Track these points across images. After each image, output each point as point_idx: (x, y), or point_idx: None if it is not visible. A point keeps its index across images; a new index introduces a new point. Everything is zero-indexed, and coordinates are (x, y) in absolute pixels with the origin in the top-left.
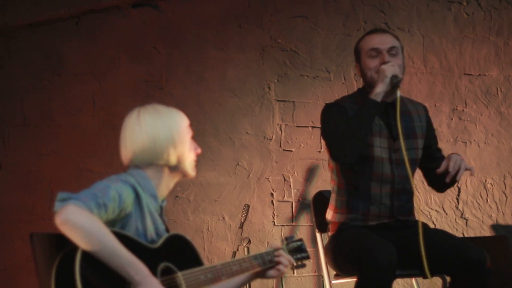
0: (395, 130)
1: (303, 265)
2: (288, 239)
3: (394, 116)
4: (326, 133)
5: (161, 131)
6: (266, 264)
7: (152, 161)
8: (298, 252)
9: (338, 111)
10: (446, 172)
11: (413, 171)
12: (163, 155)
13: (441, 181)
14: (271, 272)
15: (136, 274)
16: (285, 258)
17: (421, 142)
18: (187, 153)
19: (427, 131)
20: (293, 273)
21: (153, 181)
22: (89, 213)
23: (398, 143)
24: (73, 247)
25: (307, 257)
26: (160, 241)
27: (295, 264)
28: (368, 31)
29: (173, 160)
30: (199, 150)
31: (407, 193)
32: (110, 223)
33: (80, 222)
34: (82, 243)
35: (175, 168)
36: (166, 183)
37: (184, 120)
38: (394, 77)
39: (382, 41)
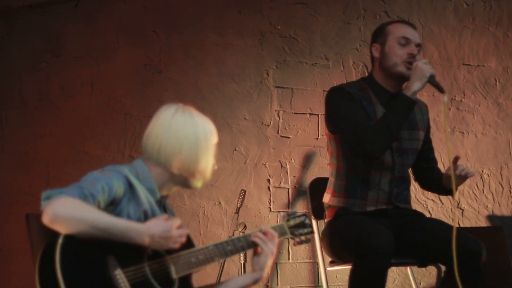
0: None
1: (308, 240)
2: (290, 215)
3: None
4: (345, 122)
5: (187, 140)
6: (245, 248)
7: (161, 163)
8: (301, 227)
9: (347, 97)
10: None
11: (413, 161)
12: (173, 163)
13: (429, 183)
14: (259, 259)
15: (137, 237)
16: (261, 238)
17: (422, 134)
18: (201, 171)
19: (428, 126)
20: (288, 248)
21: (155, 178)
22: (71, 199)
23: (401, 133)
24: (53, 240)
25: (311, 232)
26: None
27: (298, 239)
28: (399, 19)
29: (184, 172)
30: (215, 167)
31: (406, 182)
32: None
33: (66, 212)
34: (74, 230)
35: (182, 179)
36: (168, 186)
37: (212, 136)
38: (432, 77)
39: (414, 35)
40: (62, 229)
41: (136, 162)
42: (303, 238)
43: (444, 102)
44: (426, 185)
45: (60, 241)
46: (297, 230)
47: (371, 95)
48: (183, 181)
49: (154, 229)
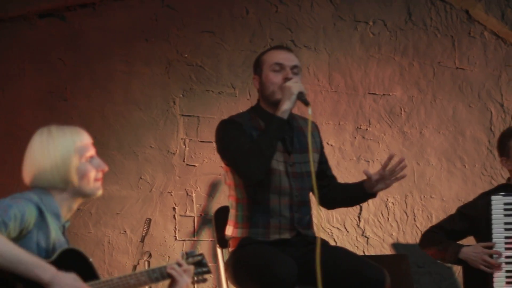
0: (289, 144)
1: (204, 280)
2: (188, 254)
3: (287, 131)
4: (229, 150)
5: (49, 157)
6: (158, 280)
7: (48, 185)
8: (199, 266)
9: (235, 128)
10: (341, 190)
11: (310, 184)
12: (56, 179)
13: (332, 198)
14: None
15: (44, 274)
16: (177, 271)
17: (316, 156)
18: (83, 174)
19: (321, 147)
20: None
21: (56, 201)
22: None
23: (293, 157)
24: None
25: (208, 272)
26: (55, 255)
27: (195, 278)
28: (273, 46)
29: (68, 183)
30: (104, 168)
31: (306, 206)
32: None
33: None
34: None
35: (76, 190)
36: (69, 205)
37: (77, 140)
38: (300, 94)
39: (287, 58)
40: None
41: (36, 189)
42: (200, 277)
43: (308, 114)
44: (331, 203)
45: None
46: (195, 269)
47: (261, 124)
48: (77, 191)
49: (63, 278)
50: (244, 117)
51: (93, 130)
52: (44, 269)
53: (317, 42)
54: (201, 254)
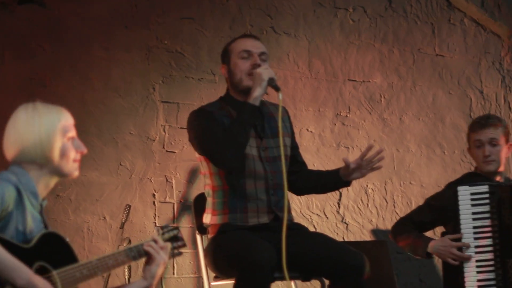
0: (260, 130)
1: (180, 253)
2: (164, 229)
3: (258, 117)
4: (202, 139)
5: (33, 132)
6: (136, 258)
7: (30, 159)
8: (174, 241)
9: (207, 117)
10: (317, 177)
11: (286, 167)
12: (38, 155)
13: (303, 184)
14: (151, 268)
15: (19, 278)
16: (154, 248)
17: (288, 140)
18: (64, 154)
19: (292, 132)
20: (173, 262)
21: (34, 179)
22: None
23: (265, 142)
24: None
25: (184, 245)
26: (34, 240)
27: (171, 251)
28: (240, 35)
29: (49, 160)
30: (84, 150)
31: (282, 189)
32: None
33: None
34: None
35: (54, 168)
36: (46, 183)
37: (62, 119)
38: (271, 80)
39: (255, 45)
40: None
41: (12, 168)
42: (176, 251)
43: (279, 99)
44: (301, 188)
45: None
46: (171, 243)
47: (231, 112)
48: (55, 169)
49: (39, 283)
50: (214, 106)
51: (72, 116)
52: (20, 273)
53: (297, 28)
54: (176, 228)
